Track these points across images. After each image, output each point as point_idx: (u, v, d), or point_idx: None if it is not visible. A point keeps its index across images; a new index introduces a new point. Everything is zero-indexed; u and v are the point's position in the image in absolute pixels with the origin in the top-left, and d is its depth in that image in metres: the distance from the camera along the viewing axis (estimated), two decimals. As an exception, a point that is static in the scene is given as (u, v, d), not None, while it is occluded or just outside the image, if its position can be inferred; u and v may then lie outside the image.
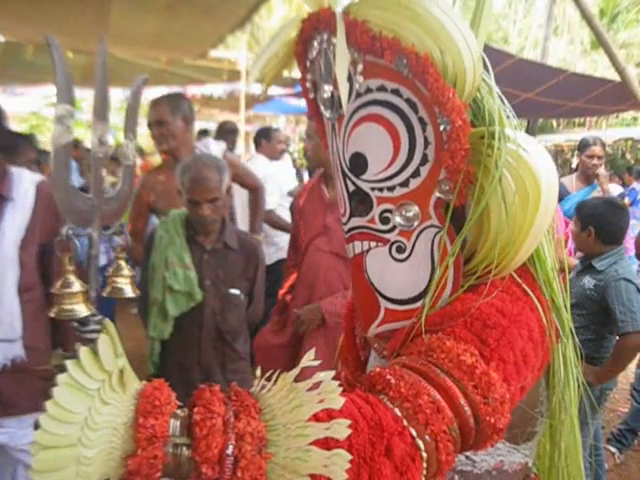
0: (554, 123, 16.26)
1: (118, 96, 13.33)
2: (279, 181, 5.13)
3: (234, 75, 10.90)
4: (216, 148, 3.70)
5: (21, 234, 2.30)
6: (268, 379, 0.94)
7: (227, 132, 6.21)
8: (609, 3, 15.33)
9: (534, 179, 1.00)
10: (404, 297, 1.11)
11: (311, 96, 1.24)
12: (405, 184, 1.07)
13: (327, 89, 1.14)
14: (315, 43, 1.14)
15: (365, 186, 1.11)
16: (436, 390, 0.92)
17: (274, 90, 11.75)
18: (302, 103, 12.09)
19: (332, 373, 0.87)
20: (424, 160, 1.06)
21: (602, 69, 14.68)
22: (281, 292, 3.32)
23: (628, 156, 15.53)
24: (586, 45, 15.95)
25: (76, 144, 6.74)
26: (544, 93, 7.56)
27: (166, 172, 3.32)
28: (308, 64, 1.18)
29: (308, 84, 1.22)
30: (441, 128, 1.02)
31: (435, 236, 1.07)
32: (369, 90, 1.07)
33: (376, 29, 1.03)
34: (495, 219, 1.03)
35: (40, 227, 2.34)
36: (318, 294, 3.09)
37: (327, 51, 1.11)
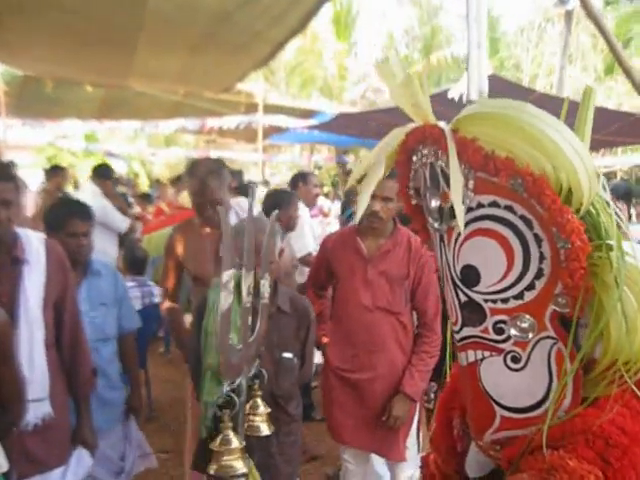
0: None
1: (133, 127, 13.49)
2: (312, 224, 5.13)
3: (251, 107, 11.00)
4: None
5: (41, 294, 2.37)
6: None
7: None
8: (621, 29, 15.39)
9: None
10: (520, 406, 1.09)
11: (413, 202, 1.24)
12: (519, 297, 1.07)
13: (435, 201, 1.14)
14: (419, 154, 1.14)
15: (477, 297, 1.10)
16: None
17: (290, 122, 11.84)
18: (316, 132, 12.18)
19: None
20: (539, 274, 1.05)
21: (616, 95, 14.69)
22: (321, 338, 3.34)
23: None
24: (600, 72, 16.01)
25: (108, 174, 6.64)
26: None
27: (199, 231, 3.32)
28: (412, 173, 1.19)
29: (411, 191, 1.22)
30: (559, 245, 1.02)
31: (552, 347, 1.07)
32: (480, 205, 1.07)
33: (488, 147, 1.03)
34: (615, 334, 1.02)
35: (54, 286, 2.43)
36: (363, 349, 3.10)
37: (434, 164, 1.11)
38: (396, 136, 1.15)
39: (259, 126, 11.14)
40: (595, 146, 10.78)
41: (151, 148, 16.80)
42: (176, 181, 9.55)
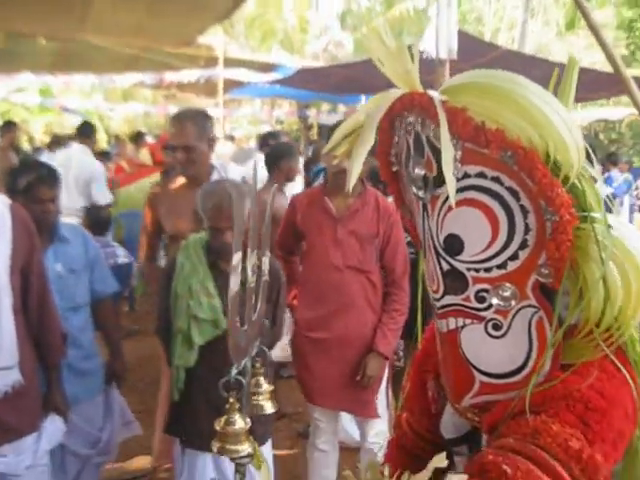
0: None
1: (89, 81, 13.12)
2: None
3: (210, 60, 10.78)
4: (235, 172, 3.61)
5: (8, 260, 2.31)
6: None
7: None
8: (582, -17, 15.37)
9: (638, 270, 1.04)
10: (500, 372, 1.12)
11: (394, 169, 1.22)
12: (503, 266, 1.08)
13: (419, 169, 1.12)
14: (404, 121, 1.13)
15: (460, 266, 1.11)
16: (548, 477, 0.95)
17: (251, 76, 11.66)
18: (277, 86, 12.01)
19: (466, 477, 0.92)
20: (523, 245, 1.06)
21: (577, 51, 14.76)
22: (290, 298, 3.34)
23: (601, 136, 15.77)
24: (561, 27, 16.04)
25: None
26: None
27: (182, 192, 3.24)
28: (395, 139, 1.17)
29: (392, 158, 1.21)
30: (546, 218, 1.03)
31: (533, 316, 1.08)
32: (467, 175, 1.07)
33: (478, 118, 1.02)
34: (596, 304, 1.05)
35: (20, 251, 2.37)
36: (333, 309, 3.11)
37: (419, 132, 1.10)
38: (386, 102, 1.12)
39: (219, 80, 10.94)
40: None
41: (108, 103, 16.39)
42: (136, 138, 9.37)
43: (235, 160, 4.54)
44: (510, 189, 1.04)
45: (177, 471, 2.78)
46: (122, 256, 5.26)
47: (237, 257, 0.93)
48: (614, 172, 9.13)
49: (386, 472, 1.32)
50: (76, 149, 6.45)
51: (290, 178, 4.61)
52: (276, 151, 4.64)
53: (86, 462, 2.94)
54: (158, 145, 9.61)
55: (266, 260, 1.00)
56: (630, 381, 1.08)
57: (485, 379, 1.13)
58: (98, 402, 3.02)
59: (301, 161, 10.24)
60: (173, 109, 14.31)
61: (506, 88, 1.01)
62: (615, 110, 14.62)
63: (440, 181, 1.08)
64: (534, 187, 1.02)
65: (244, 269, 0.95)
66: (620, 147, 17.79)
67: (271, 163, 4.50)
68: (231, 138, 11.15)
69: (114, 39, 8.66)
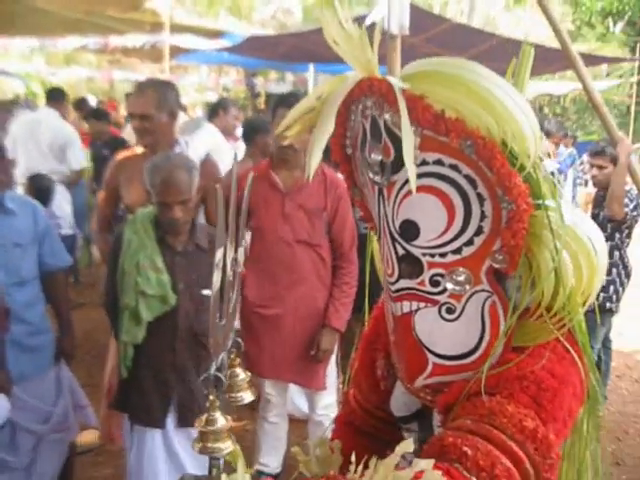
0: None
1: (29, 44, 12.64)
2: (233, 154, 5.02)
3: (156, 26, 10.50)
4: (198, 148, 3.52)
5: None
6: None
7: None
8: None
9: (589, 257, 1.09)
10: (453, 354, 1.15)
11: (348, 151, 1.23)
12: (458, 252, 1.11)
13: (375, 155, 1.13)
14: (360, 105, 1.13)
15: (416, 251, 1.13)
16: (506, 457, 0.99)
17: (197, 43, 11.41)
18: (225, 54, 11.80)
19: (432, 461, 0.94)
20: (479, 231, 1.09)
21: (524, 25, 14.92)
22: None
23: (546, 110, 16.06)
24: (509, 0, 16.15)
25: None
26: (480, 55, 7.66)
27: (140, 163, 3.14)
28: (351, 123, 1.17)
29: (347, 141, 1.21)
30: (503, 206, 1.05)
31: (486, 300, 1.12)
32: (425, 163, 1.08)
33: (437, 106, 1.03)
34: (548, 290, 1.09)
35: None
36: (284, 284, 3.11)
37: (376, 117, 1.10)
38: (344, 87, 1.11)
39: (165, 46, 10.67)
40: (502, 75, 10.97)
41: (50, 67, 15.84)
42: (79, 104, 9.10)
43: (184, 130, 4.44)
44: (468, 177, 1.06)
45: (127, 447, 2.77)
46: (66, 227, 5.15)
47: (220, 253, 0.92)
48: (560, 147, 9.28)
49: (336, 449, 1.34)
50: (45, 113, 6.31)
51: (265, 153, 4.56)
52: (251, 126, 4.58)
53: (41, 439, 2.85)
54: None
55: (241, 251, 0.99)
56: (578, 361, 1.13)
57: (438, 361, 1.16)
58: (49, 378, 2.92)
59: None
60: (118, 74, 13.95)
61: (466, 78, 1.02)
62: (560, 84, 14.87)
63: (397, 167, 1.09)
64: (492, 176, 1.04)
65: (224, 264, 0.94)
66: (564, 121, 18.12)
67: (247, 138, 4.45)
68: (184, 108, 10.94)
69: (57, 1, 8.36)
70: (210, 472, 0.86)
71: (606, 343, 4.61)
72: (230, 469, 0.86)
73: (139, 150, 3.30)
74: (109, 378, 3.12)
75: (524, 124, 1.03)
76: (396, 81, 1.06)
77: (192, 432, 2.70)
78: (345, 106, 1.15)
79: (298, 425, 3.83)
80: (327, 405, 3.37)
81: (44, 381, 2.90)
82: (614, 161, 4.30)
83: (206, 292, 2.73)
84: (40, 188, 5.06)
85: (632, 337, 6.07)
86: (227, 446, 0.87)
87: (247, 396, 1.01)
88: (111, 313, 2.72)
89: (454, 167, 1.06)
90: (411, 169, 1.01)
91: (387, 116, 1.08)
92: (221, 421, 0.87)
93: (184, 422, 2.67)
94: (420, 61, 1.09)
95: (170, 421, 2.66)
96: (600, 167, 4.49)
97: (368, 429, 1.50)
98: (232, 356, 0.98)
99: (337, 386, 3.57)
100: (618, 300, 4.31)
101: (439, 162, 1.07)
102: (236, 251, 0.94)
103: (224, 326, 0.92)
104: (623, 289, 4.37)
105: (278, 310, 3.11)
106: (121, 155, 3.39)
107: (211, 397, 0.89)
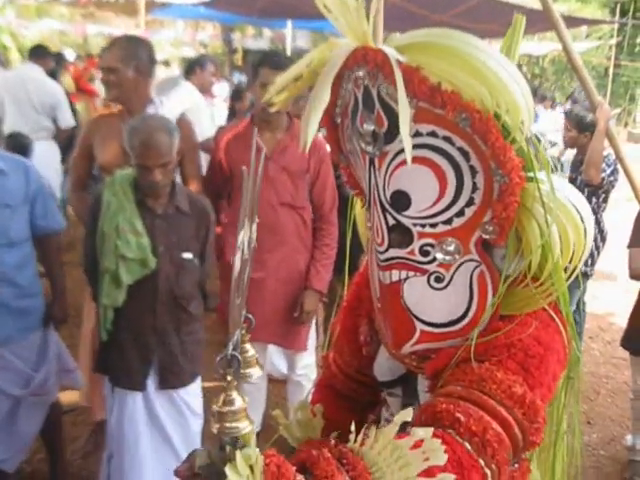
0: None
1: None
2: (212, 112, 4.96)
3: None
4: (172, 107, 3.45)
5: None
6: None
7: None
8: None
9: (577, 229, 1.12)
10: (441, 321, 1.18)
11: (337, 119, 1.22)
12: (448, 222, 1.12)
13: (368, 125, 1.12)
14: (352, 75, 1.12)
15: (406, 221, 1.14)
16: (496, 422, 1.03)
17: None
18: (201, 8, 11.55)
19: (431, 430, 0.97)
20: (470, 202, 1.10)
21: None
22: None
23: (524, 69, 16.01)
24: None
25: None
26: (459, 16, 7.58)
27: (115, 122, 3.08)
28: (342, 92, 1.16)
29: (337, 109, 1.20)
30: (495, 179, 1.06)
31: (475, 270, 1.14)
32: (419, 134, 1.08)
33: (434, 79, 1.03)
34: (535, 260, 1.12)
35: None
36: (267, 248, 3.08)
37: (369, 87, 1.10)
38: (338, 57, 1.10)
39: (141, -1, 10.41)
40: (486, 36, 10.91)
41: (21, 19, 15.42)
42: (55, 58, 8.87)
43: (161, 89, 4.36)
44: (461, 149, 1.07)
45: (107, 409, 2.78)
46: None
47: (242, 235, 0.90)
48: (540, 109, 9.30)
49: (318, 412, 1.36)
50: (29, 70, 6.19)
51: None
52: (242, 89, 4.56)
53: (20, 402, 2.84)
54: (84, 70, 9.15)
55: (255, 227, 0.97)
56: (562, 329, 1.17)
57: (426, 328, 1.18)
58: (33, 341, 2.86)
59: (226, 88, 10.00)
60: (91, 28, 13.60)
61: (462, 49, 1.02)
62: (540, 45, 14.81)
63: (390, 137, 1.09)
64: (487, 150, 1.04)
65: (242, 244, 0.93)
66: (542, 82, 18.13)
67: (237, 99, 4.42)
68: (165, 63, 10.75)
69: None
70: (222, 448, 0.86)
71: (580, 305, 4.70)
72: (240, 444, 0.87)
73: (115, 109, 3.23)
74: (85, 339, 3.10)
75: (517, 95, 1.03)
76: (392, 52, 1.05)
77: (173, 394, 2.73)
78: (337, 75, 1.13)
79: (276, 385, 3.87)
80: (306, 365, 3.41)
81: (28, 344, 2.84)
82: (578, 126, 4.33)
83: (186, 255, 2.73)
84: (16, 146, 4.95)
85: (606, 300, 6.20)
86: (245, 426, 0.87)
87: (255, 372, 1.00)
88: (90, 276, 2.70)
89: (447, 139, 1.07)
90: (407, 141, 1.01)
91: (380, 86, 1.08)
92: (238, 401, 0.87)
93: (165, 384, 2.68)
94: (412, 32, 1.08)
95: (151, 383, 2.67)
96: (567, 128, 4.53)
97: (348, 392, 1.53)
98: (243, 332, 0.97)
99: (315, 346, 3.60)
100: (593, 264, 4.37)
101: (433, 134, 1.07)
102: (250, 228, 0.93)
103: (239, 304, 0.91)
104: (598, 253, 4.42)
105: (260, 273, 3.08)
106: (96, 114, 3.32)
107: (229, 377, 0.88)
